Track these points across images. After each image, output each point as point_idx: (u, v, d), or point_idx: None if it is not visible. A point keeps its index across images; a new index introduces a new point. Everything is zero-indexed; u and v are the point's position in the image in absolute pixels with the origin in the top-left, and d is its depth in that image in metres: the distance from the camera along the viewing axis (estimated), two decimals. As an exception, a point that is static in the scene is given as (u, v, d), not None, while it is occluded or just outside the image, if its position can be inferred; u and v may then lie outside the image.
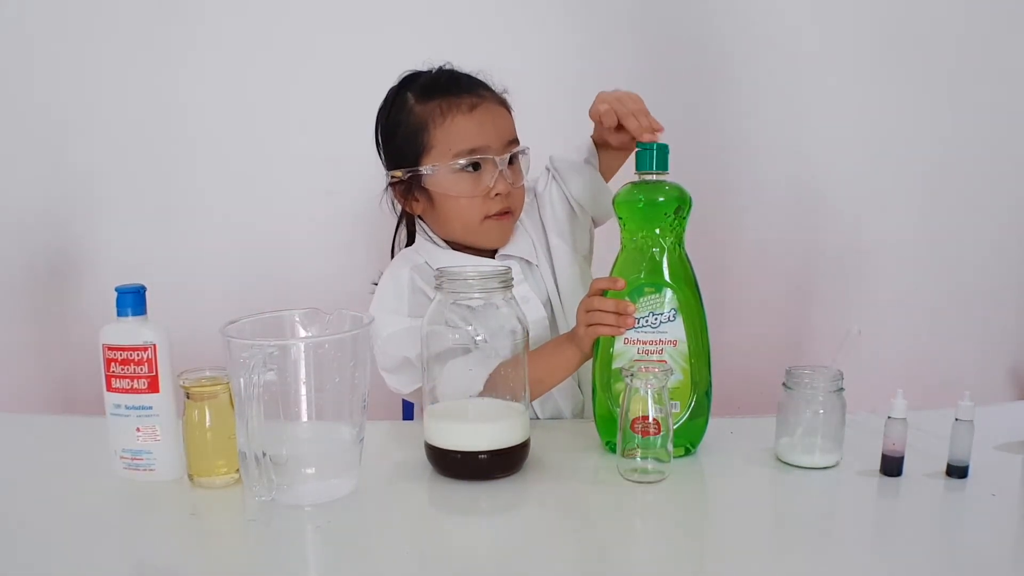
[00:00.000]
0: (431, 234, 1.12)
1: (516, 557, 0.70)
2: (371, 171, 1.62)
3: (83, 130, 1.60)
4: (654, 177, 0.90)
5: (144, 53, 1.57)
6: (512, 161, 1.06)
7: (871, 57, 1.65)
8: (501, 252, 1.11)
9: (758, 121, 1.66)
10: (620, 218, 0.90)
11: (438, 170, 1.03)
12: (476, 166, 1.03)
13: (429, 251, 1.11)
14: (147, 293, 0.83)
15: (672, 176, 0.92)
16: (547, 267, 1.13)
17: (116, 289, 0.82)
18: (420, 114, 1.05)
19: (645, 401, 0.81)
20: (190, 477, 0.83)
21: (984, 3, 1.65)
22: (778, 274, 1.72)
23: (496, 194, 1.04)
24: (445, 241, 1.11)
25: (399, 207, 1.14)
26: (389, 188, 1.11)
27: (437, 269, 0.85)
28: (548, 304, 1.12)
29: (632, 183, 0.91)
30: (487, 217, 1.05)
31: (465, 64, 1.10)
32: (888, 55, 1.65)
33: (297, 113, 1.61)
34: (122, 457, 0.84)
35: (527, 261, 1.12)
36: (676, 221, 0.88)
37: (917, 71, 1.66)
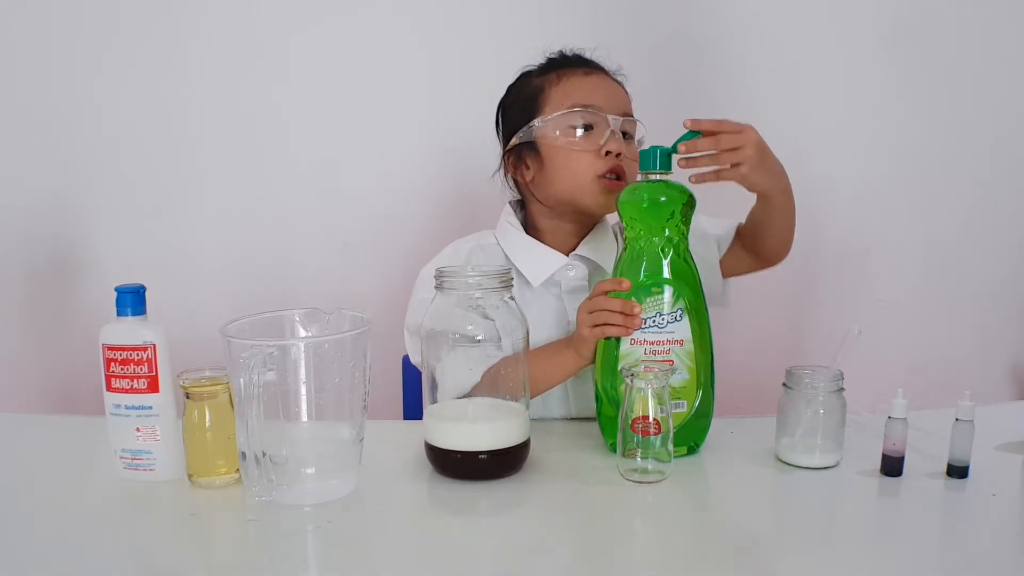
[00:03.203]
0: (515, 217, 1.13)
1: (516, 557, 0.70)
2: (371, 171, 1.64)
3: (82, 130, 1.59)
4: (658, 177, 0.90)
5: (142, 53, 1.57)
6: (627, 137, 1.05)
7: (871, 57, 1.65)
8: (576, 252, 1.10)
9: (758, 121, 1.65)
10: (623, 218, 0.91)
11: (550, 122, 1.03)
12: (588, 127, 1.03)
13: (504, 231, 1.12)
14: (147, 293, 0.83)
15: (674, 176, 0.92)
16: None
17: (116, 289, 0.82)
18: (537, 83, 1.07)
19: (645, 401, 0.81)
20: (190, 477, 0.83)
21: (985, 3, 1.65)
22: (778, 274, 1.72)
23: (607, 152, 1.02)
24: (532, 227, 1.12)
25: (512, 185, 1.15)
26: (502, 166, 1.12)
27: (437, 269, 0.85)
28: None
29: (636, 183, 0.91)
30: (598, 177, 1.03)
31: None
32: (888, 55, 1.65)
33: (297, 113, 1.61)
34: (122, 457, 0.84)
35: (598, 266, 1.10)
36: (680, 221, 0.88)
37: (917, 71, 1.66)
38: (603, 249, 1.11)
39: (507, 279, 0.84)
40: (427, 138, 1.63)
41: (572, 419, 1.09)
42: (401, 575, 0.67)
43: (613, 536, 0.74)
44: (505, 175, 1.13)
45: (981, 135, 1.70)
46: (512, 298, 0.86)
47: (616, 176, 1.03)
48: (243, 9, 1.57)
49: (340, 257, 1.65)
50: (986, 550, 0.70)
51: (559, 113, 1.03)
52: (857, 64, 1.65)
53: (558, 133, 1.03)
